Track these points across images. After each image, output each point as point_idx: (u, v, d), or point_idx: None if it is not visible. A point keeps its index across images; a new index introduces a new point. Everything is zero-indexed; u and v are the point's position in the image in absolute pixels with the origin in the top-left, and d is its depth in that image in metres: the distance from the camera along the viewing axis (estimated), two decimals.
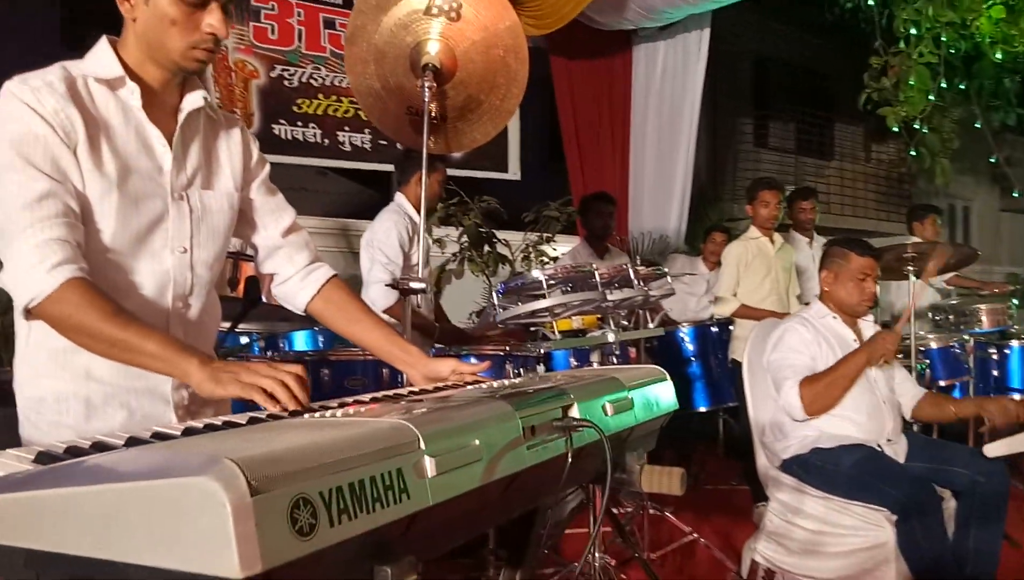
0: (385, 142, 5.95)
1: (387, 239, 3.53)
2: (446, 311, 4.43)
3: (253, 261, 1.84)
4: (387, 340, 1.74)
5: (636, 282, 2.74)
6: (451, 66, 2.54)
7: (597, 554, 2.83)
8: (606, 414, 1.28)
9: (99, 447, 0.93)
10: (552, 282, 2.51)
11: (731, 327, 4.65)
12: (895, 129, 6.95)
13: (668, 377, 1.58)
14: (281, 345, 3.78)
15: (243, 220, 1.72)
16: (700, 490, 4.81)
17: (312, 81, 6.12)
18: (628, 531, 3.49)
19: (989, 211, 16.18)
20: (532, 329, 2.98)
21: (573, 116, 6.77)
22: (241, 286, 2.62)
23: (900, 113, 6.78)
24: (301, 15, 6.10)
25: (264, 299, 1.83)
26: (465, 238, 6.06)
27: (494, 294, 2.62)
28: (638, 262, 4.02)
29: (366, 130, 6.16)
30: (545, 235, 6.49)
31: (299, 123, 6.06)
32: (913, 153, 7.35)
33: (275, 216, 1.75)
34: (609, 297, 2.61)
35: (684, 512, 3.92)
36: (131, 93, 1.49)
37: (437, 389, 1.51)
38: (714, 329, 4.74)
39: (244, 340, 3.60)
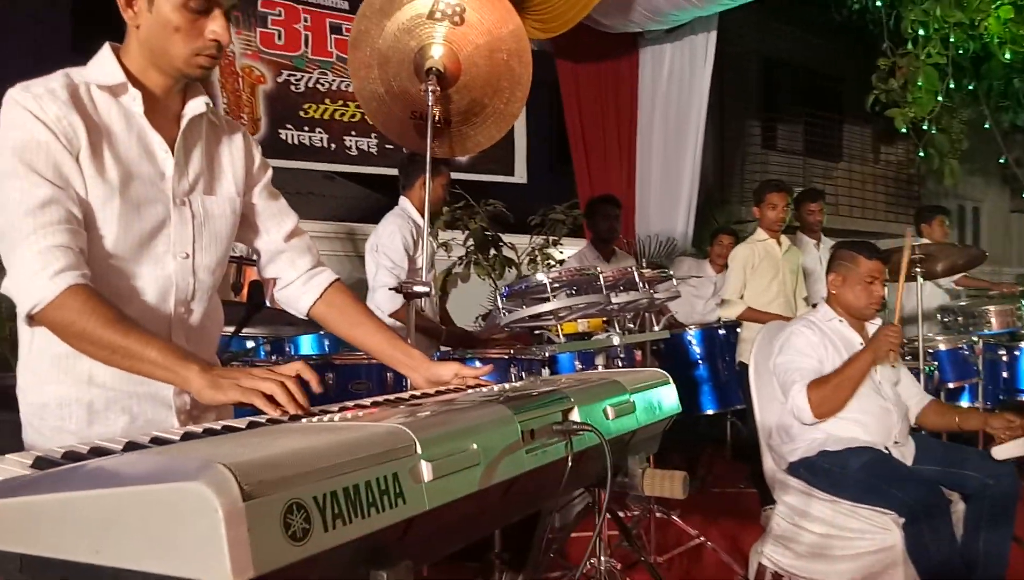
0: (392, 146, 5.97)
1: (391, 243, 3.53)
2: (453, 314, 4.43)
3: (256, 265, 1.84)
4: (389, 344, 1.74)
5: (641, 285, 2.73)
6: (455, 70, 2.54)
7: (603, 557, 2.82)
8: (607, 417, 1.28)
9: (97, 452, 0.93)
10: (556, 285, 2.51)
11: (738, 330, 4.64)
12: (903, 130, 6.93)
13: (671, 380, 1.57)
14: (287, 349, 3.79)
15: (245, 225, 1.72)
16: (707, 493, 4.80)
17: (319, 86, 6.14)
18: (635, 534, 3.48)
19: (999, 212, 16.10)
20: (537, 332, 2.97)
21: (579, 119, 6.77)
22: (245, 290, 2.62)
23: (908, 114, 6.77)
24: (308, 20, 6.13)
25: (268, 303, 1.83)
26: (471, 242, 6.05)
27: (498, 297, 2.61)
28: (643, 265, 4.02)
29: (372, 134, 6.18)
30: (551, 238, 6.48)
31: (306, 128, 6.08)
32: (922, 154, 7.32)
33: (277, 220, 1.76)
34: (614, 300, 2.60)
35: (691, 515, 3.91)
36: (133, 99, 1.50)
37: (439, 393, 1.51)
38: (721, 331, 4.73)
39: (250, 344, 3.60)
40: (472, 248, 6.08)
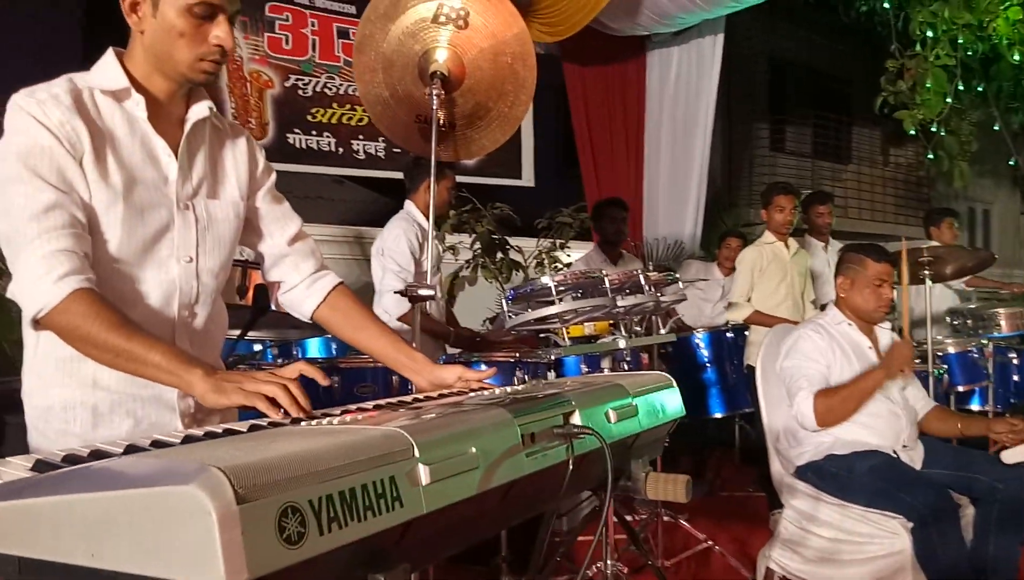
0: (399, 150, 5.98)
1: (397, 247, 3.54)
2: (460, 318, 4.43)
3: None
4: (393, 347, 1.74)
5: (647, 288, 2.73)
6: (459, 74, 2.55)
7: (609, 562, 2.81)
8: (609, 421, 1.27)
9: (97, 455, 0.94)
10: (562, 288, 2.51)
11: (746, 333, 4.63)
12: (912, 132, 6.90)
13: (675, 384, 1.56)
14: (294, 352, 3.80)
15: (249, 229, 1.73)
16: (715, 497, 4.78)
17: (326, 90, 6.16)
18: (642, 538, 3.47)
19: (1009, 214, 16.01)
20: (542, 335, 2.97)
21: (587, 122, 6.77)
22: (250, 294, 2.63)
23: (917, 116, 6.74)
24: (315, 25, 6.14)
25: (273, 307, 1.84)
26: (478, 245, 6.05)
27: (503, 301, 2.61)
28: (650, 268, 4.02)
29: (380, 138, 6.19)
30: (559, 241, 6.48)
31: (313, 132, 6.10)
32: (931, 156, 7.29)
33: (281, 224, 1.76)
34: (619, 303, 2.60)
35: (699, 519, 3.90)
36: (136, 104, 1.51)
37: (442, 396, 1.51)
38: (729, 334, 4.71)
39: (257, 347, 3.62)
40: (479, 251, 6.08)
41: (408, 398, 1.46)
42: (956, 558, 2.65)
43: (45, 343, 1.48)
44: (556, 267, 6.37)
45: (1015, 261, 14.27)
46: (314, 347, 3.89)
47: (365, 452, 0.80)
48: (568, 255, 6.52)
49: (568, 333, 2.66)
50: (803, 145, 13.94)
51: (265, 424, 1.17)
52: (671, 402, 1.53)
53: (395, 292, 2.72)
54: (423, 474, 0.85)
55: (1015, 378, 4.70)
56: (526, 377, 2.92)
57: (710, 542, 3.55)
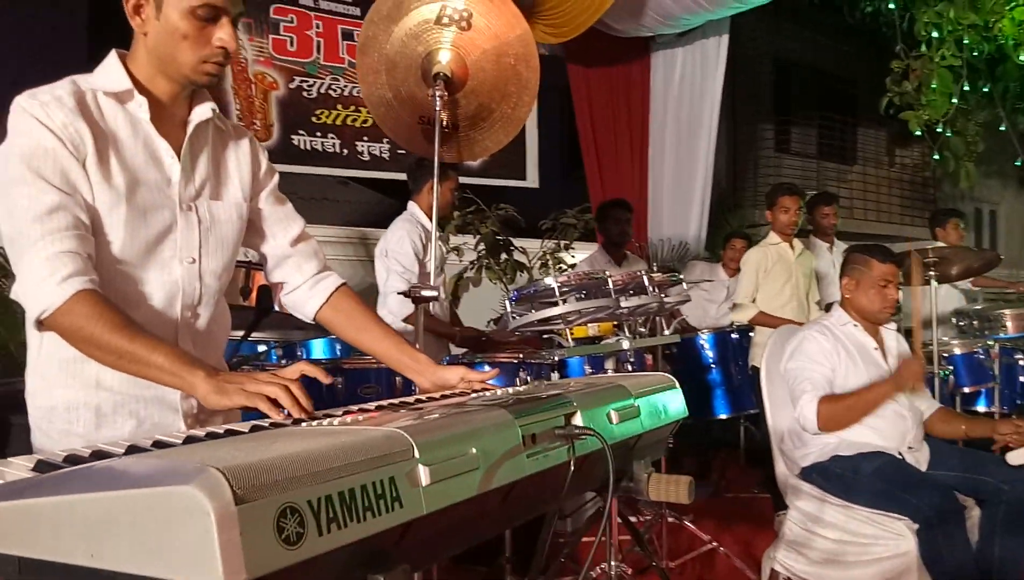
0: (403, 151, 5.98)
1: (401, 248, 3.55)
2: (464, 319, 4.44)
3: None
4: (396, 348, 1.74)
5: (651, 289, 2.73)
6: (462, 75, 2.55)
7: (613, 562, 2.81)
8: (611, 422, 1.27)
9: (98, 455, 0.94)
10: (565, 289, 2.51)
11: (751, 334, 4.62)
12: (918, 133, 6.88)
13: (677, 385, 1.56)
14: (299, 353, 3.80)
15: (252, 230, 1.73)
16: (720, 498, 4.77)
17: (331, 92, 6.17)
18: (647, 539, 3.46)
19: (1016, 214, 15.96)
20: (546, 336, 2.97)
21: (591, 124, 6.77)
22: (254, 295, 2.63)
23: (922, 117, 6.73)
24: (319, 27, 6.16)
25: (277, 308, 1.84)
26: (482, 246, 6.06)
27: (507, 301, 2.61)
28: (654, 269, 4.01)
29: (384, 140, 6.20)
30: (563, 242, 6.48)
31: (318, 133, 6.11)
32: (936, 157, 7.27)
33: (284, 225, 1.76)
34: (623, 304, 2.60)
35: (704, 520, 3.89)
36: (139, 106, 1.51)
37: (444, 397, 1.51)
38: (734, 335, 4.71)
39: (261, 348, 3.62)
40: (483, 252, 6.09)
41: (410, 399, 1.46)
42: (962, 560, 2.64)
43: (49, 344, 1.48)
44: (560, 268, 6.37)
45: (1022, 262, 14.21)
46: (318, 348, 3.89)
47: (365, 453, 0.80)
48: (572, 256, 6.52)
49: (572, 334, 2.65)
50: (808, 146, 13.92)
51: (267, 425, 1.18)
52: (674, 403, 1.52)
53: (398, 293, 2.72)
54: (423, 475, 0.85)
55: (1021, 379, 4.67)
56: (528, 378, 2.91)
57: (715, 543, 3.55)
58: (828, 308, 4.62)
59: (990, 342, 4.57)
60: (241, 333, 2.74)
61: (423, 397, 1.54)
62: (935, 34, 6.51)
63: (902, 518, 2.72)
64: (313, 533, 0.71)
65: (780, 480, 3.21)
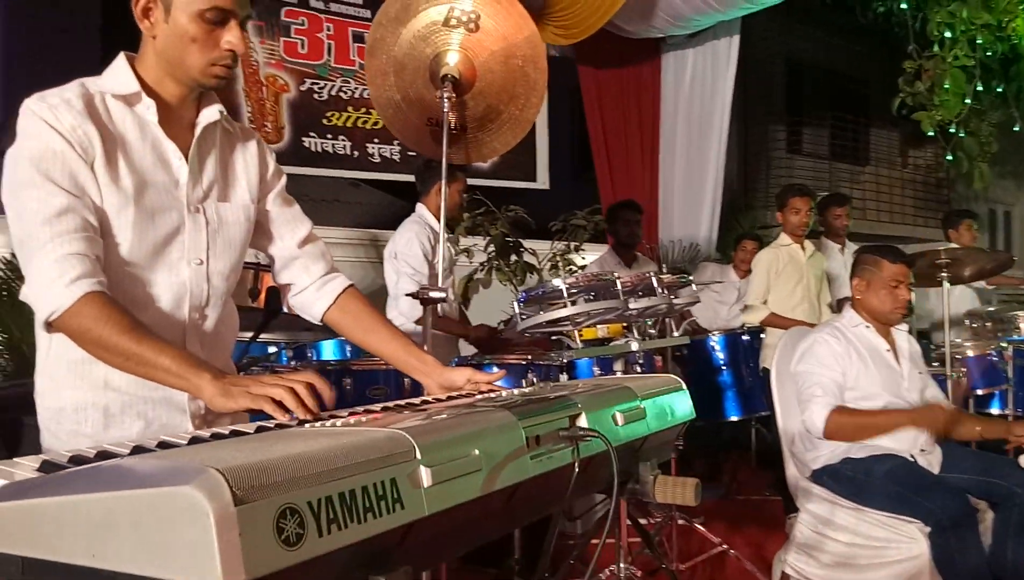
0: (414, 153, 5.99)
1: (409, 250, 3.56)
2: (474, 321, 4.43)
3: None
4: (403, 350, 1.74)
5: (660, 290, 2.72)
6: (470, 77, 2.55)
7: (622, 564, 2.80)
8: (616, 423, 1.26)
9: (103, 456, 0.94)
10: (574, 291, 2.50)
11: (762, 335, 4.60)
12: (931, 133, 6.84)
13: (684, 386, 1.55)
14: (309, 354, 3.81)
15: (259, 231, 1.74)
16: (731, 500, 4.75)
17: (341, 94, 6.19)
18: (656, 541, 3.45)
19: None
20: (555, 338, 2.97)
21: (601, 125, 6.77)
22: (262, 297, 2.65)
23: (935, 117, 6.69)
24: (331, 29, 6.18)
25: (285, 309, 1.85)
26: (492, 248, 6.06)
27: (515, 303, 2.61)
28: (664, 270, 4.00)
29: (395, 142, 6.21)
30: (573, 244, 6.48)
31: (329, 135, 6.13)
32: (950, 158, 7.22)
33: (291, 227, 1.77)
34: (632, 305, 2.59)
35: (715, 522, 3.88)
36: (147, 109, 1.52)
37: (450, 398, 1.51)
38: (745, 337, 4.69)
39: (272, 350, 3.64)
40: (493, 254, 6.09)
41: (416, 400, 1.46)
42: (975, 563, 2.62)
43: (57, 345, 1.49)
44: (570, 270, 6.37)
45: None
46: (328, 349, 3.90)
47: (365, 454, 0.80)
48: (583, 258, 6.51)
49: (581, 336, 2.65)
50: (820, 147, 13.86)
51: (272, 426, 1.18)
52: (681, 405, 1.52)
53: (407, 294, 2.73)
54: (425, 476, 0.85)
55: None
56: (537, 379, 2.91)
57: (725, 546, 3.53)
58: (839, 304, 4.61)
59: (1004, 344, 4.53)
60: (250, 334, 2.75)
61: (429, 398, 1.54)
62: (948, 34, 6.47)
63: (914, 521, 2.70)
64: (313, 534, 0.71)
65: (791, 483, 3.19)
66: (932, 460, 2.97)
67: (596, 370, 3.14)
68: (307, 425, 1.10)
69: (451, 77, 2.50)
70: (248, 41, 1.57)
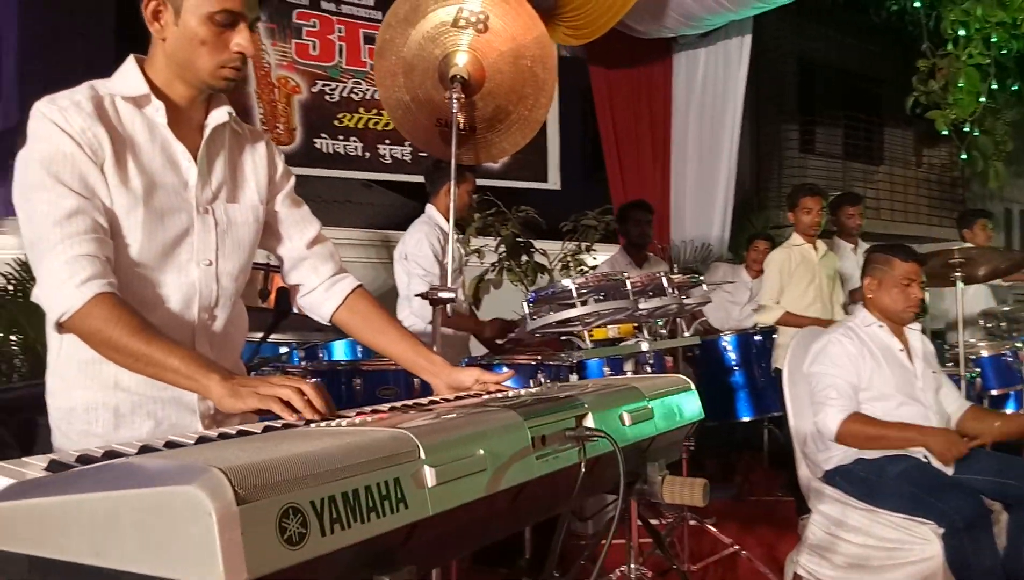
0: (425, 154, 6.01)
1: (420, 251, 3.56)
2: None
3: None
4: (412, 350, 1.74)
5: (670, 290, 2.71)
6: (479, 77, 2.55)
7: (633, 565, 2.80)
8: (623, 423, 1.26)
9: (110, 455, 0.95)
10: (583, 291, 2.50)
11: (774, 335, 4.58)
12: (945, 132, 6.79)
13: (693, 386, 1.55)
14: (320, 355, 3.82)
15: (268, 232, 1.74)
16: (744, 501, 4.74)
17: (353, 95, 6.21)
18: (668, 542, 3.44)
19: None
20: (565, 338, 2.97)
21: (613, 125, 6.76)
22: (272, 297, 2.66)
23: (949, 116, 6.63)
24: (342, 31, 6.20)
25: (295, 310, 1.85)
26: (503, 248, 6.06)
27: (524, 303, 2.61)
28: (674, 270, 3.99)
29: (406, 143, 6.22)
30: (584, 244, 6.47)
31: (340, 137, 6.15)
32: (964, 157, 7.16)
33: (300, 228, 1.77)
34: (642, 306, 2.59)
35: (727, 523, 3.86)
36: (156, 111, 1.53)
37: (458, 398, 1.51)
38: (757, 337, 4.67)
39: (283, 350, 3.65)
40: (504, 254, 6.10)
41: (424, 400, 1.46)
42: (990, 565, 2.60)
43: (68, 346, 1.50)
44: (581, 270, 6.36)
45: None
46: (340, 349, 3.91)
47: (369, 454, 0.81)
48: (594, 258, 6.50)
49: (591, 336, 2.65)
50: (834, 146, 13.79)
51: (279, 426, 1.18)
52: (689, 405, 1.51)
53: (416, 295, 2.73)
54: (429, 476, 0.85)
55: None
56: (544, 379, 2.91)
57: (737, 547, 3.51)
58: (851, 294, 4.58)
59: (1019, 344, 4.49)
60: (260, 335, 2.76)
61: (436, 398, 1.54)
62: (962, 32, 6.41)
63: (928, 522, 2.68)
64: (316, 533, 0.71)
65: (803, 483, 3.18)
66: None
67: (606, 370, 3.14)
68: (313, 425, 1.11)
69: (460, 78, 2.50)
70: (260, 43, 1.58)
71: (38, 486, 0.80)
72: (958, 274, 3.75)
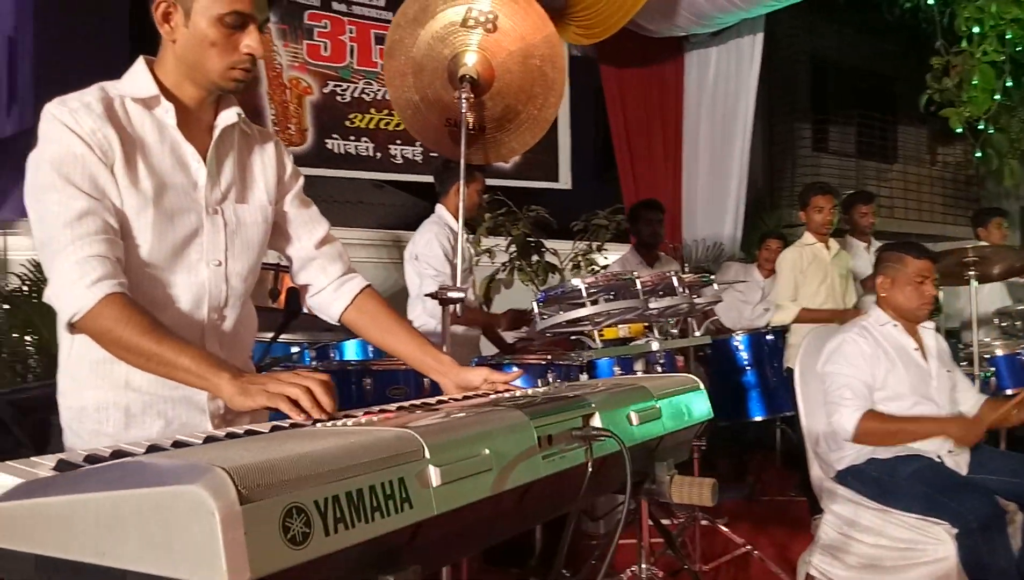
0: (436, 154, 6.02)
1: (430, 251, 3.57)
2: None
3: None
4: (420, 350, 1.75)
5: (680, 290, 2.71)
6: (488, 77, 2.55)
7: (643, 565, 2.79)
8: (631, 423, 1.26)
9: (118, 455, 0.96)
10: (593, 290, 2.50)
11: (786, 335, 4.56)
12: (959, 130, 6.74)
13: (702, 386, 1.54)
14: (332, 354, 3.83)
15: (277, 233, 1.75)
16: (756, 501, 4.72)
17: (364, 96, 6.22)
18: (680, 542, 3.43)
19: None
20: (573, 338, 2.97)
21: (624, 124, 6.75)
22: (283, 297, 2.67)
23: (964, 114, 6.57)
24: (353, 32, 6.21)
25: (305, 310, 1.86)
26: (513, 248, 6.06)
27: (534, 303, 2.61)
28: (685, 270, 3.98)
29: (417, 143, 6.23)
30: (595, 244, 6.46)
31: (351, 137, 6.16)
32: (979, 154, 7.10)
33: (308, 228, 1.78)
34: (652, 305, 2.58)
35: (739, 523, 3.86)
36: (166, 112, 1.54)
37: (466, 398, 1.51)
38: (769, 337, 4.65)
39: (295, 350, 3.66)
40: (515, 254, 6.09)
41: (432, 400, 1.46)
42: (1004, 566, 2.58)
43: (79, 346, 1.51)
44: (592, 270, 6.35)
45: None
46: (351, 349, 3.92)
47: (373, 453, 0.81)
48: (605, 257, 6.49)
49: (602, 335, 2.64)
50: (847, 145, 13.70)
51: (287, 425, 1.19)
52: (698, 405, 1.51)
53: (425, 294, 2.73)
54: (434, 475, 0.85)
55: None
56: (554, 379, 2.90)
57: (749, 547, 3.50)
58: (862, 284, 4.54)
59: None
60: (271, 335, 2.77)
61: (445, 398, 1.54)
62: (976, 29, 6.35)
63: (942, 523, 2.66)
64: (320, 533, 0.71)
65: (815, 483, 3.16)
66: (960, 461, 2.92)
67: (617, 370, 3.13)
68: (319, 425, 1.11)
69: (469, 78, 2.50)
70: (272, 44, 1.59)
71: (45, 486, 0.81)
72: (972, 273, 3.72)
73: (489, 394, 1.54)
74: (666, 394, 1.40)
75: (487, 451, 0.94)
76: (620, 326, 3.07)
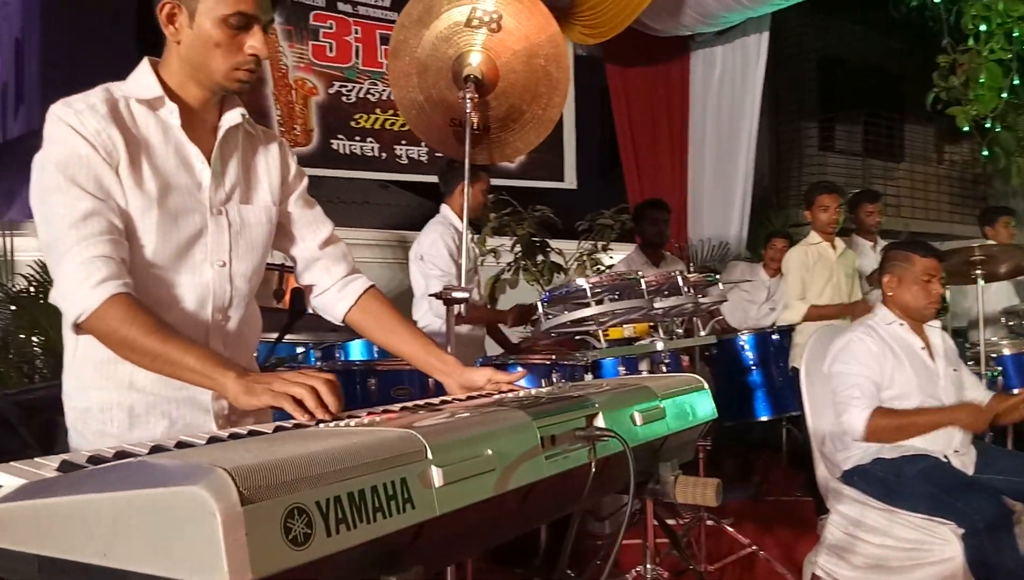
0: (441, 154, 6.02)
1: (435, 251, 3.57)
2: None
3: None
4: (424, 350, 1.75)
5: (685, 289, 2.70)
6: (493, 77, 2.55)
7: (649, 565, 2.79)
8: (635, 423, 1.26)
9: (121, 456, 0.96)
10: (597, 290, 2.50)
11: (792, 334, 4.55)
12: (966, 129, 6.71)
13: (706, 386, 1.54)
14: (337, 355, 3.84)
15: (281, 233, 1.75)
16: (762, 501, 4.71)
17: (369, 96, 6.23)
18: (685, 542, 3.43)
19: None
20: (578, 338, 2.96)
21: (629, 124, 6.75)
22: (287, 298, 2.67)
23: (971, 112, 6.54)
24: (358, 32, 6.22)
25: (310, 310, 1.86)
26: (518, 248, 6.06)
27: (539, 303, 2.61)
28: (690, 269, 3.97)
29: (422, 143, 6.24)
30: (600, 243, 6.45)
31: (357, 138, 6.17)
32: (986, 153, 7.07)
33: (312, 228, 1.78)
34: (657, 305, 2.58)
35: (745, 523, 3.84)
36: (170, 113, 1.54)
37: (470, 398, 1.51)
38: (775, 336, 4.64)
39: (300, 350, 3.67)
40: (520, 254, 6.09)
41: (435, 400, 1.46)
42: (1011, 567, 2.57)
43: (84, 346, 1.52)
44: (598, 269, 6.35)
45: None
46: (356, 350, 3.92)
47: (375, 454, 0.81)
48: (610, 257, 6.49)
49: (606, 335, 2.64)
50: (854, 143, 13.66)
51: (290, 425, 1.19)
52: (702, 405, 1.50)
53: (430, 295, 2.74)
54: (436, 476, 0.85)
55: None
56: (558, 379, 2.90)
57: (755, 547, 3.49)
58: (868, 280, 4.52)
59: None
60: (275, 335, 2.77)
61: (448, 398, 1.54)
62: (983, 27, 6.33)
63: (948, 523, 2.66)
64: (321, 534, 0.71)
65: (821, 483, 3.15)
66: (966, 461, 2.91)
67: (621, 370, 3.12)
68: (322, 425, 1.11)
69: (473, 77, 2.50)
70: (277, 45, 1.59)
71: (48, 486, 0.81)
72: (979, 271, 3.71)
73: (493, 394, 1.54)
74: (670, 394, 1.40)
75: (490, 451, 0.94)
76: (625, 326, 3.07)
